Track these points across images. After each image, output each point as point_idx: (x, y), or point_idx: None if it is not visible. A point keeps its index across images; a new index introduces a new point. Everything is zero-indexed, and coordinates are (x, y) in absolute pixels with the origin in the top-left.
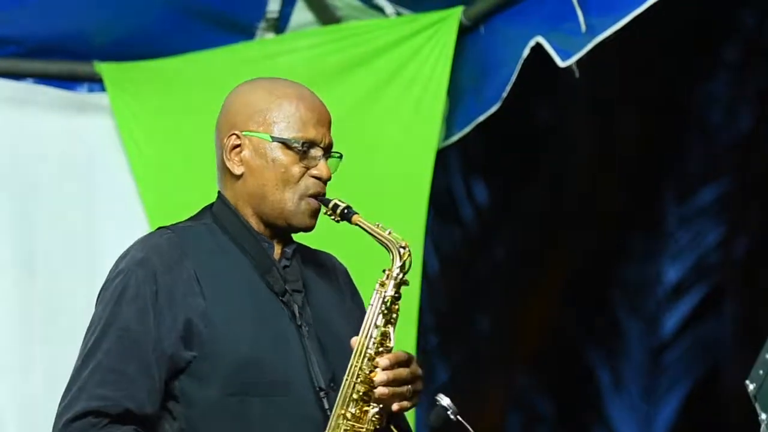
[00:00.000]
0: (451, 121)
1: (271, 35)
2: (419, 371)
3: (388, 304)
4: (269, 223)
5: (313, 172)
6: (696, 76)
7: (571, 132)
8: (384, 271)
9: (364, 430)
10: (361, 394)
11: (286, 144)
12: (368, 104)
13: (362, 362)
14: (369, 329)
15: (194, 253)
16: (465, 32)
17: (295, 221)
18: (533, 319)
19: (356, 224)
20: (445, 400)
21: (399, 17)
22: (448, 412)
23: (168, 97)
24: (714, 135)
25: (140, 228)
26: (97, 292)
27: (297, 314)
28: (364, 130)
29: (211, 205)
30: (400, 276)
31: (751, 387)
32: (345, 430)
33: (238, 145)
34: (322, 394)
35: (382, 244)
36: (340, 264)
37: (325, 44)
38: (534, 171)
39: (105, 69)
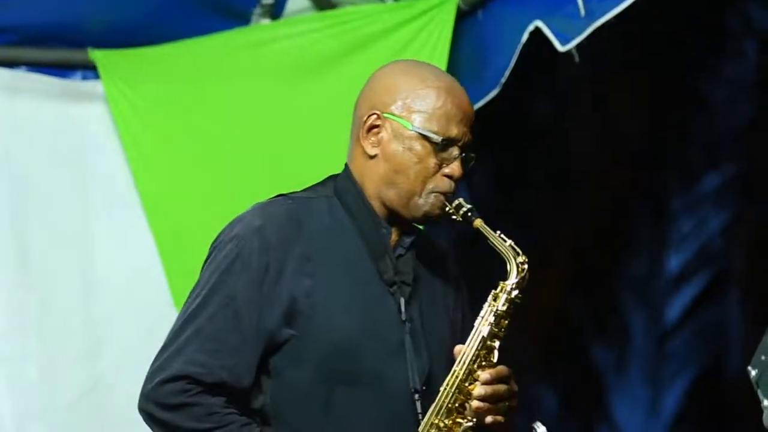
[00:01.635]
0: None
1: (266, 21)
2: (516, 388)
3: (498, 318)
4: (391, 210)
5: (446, 170)
6: (699, 62)
7: (572, 118)
8: (498, 283)
9: None
10: (457, 405)
11: (425, 137)
12: None
13: (464, 373)
14: (475, 341)
15: (310, 230)
16: (463, 17)
17: (418, 214)
18: (536, 309)
19: (477, 229)
20: (541, 429)
21: (396, 2)
22: None
23: (163, 84)
24: (717, 121)
25: (136, 217)
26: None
27: (403, 308)
28: None
29: (337, 175)
30: (515, 292)
31: (753, 373)
32: None
33: (377, 126)
34: (416, 396)
35: (501, 255)
36: (453, 254)
37: (321, 30)
38: (533, 158)
39: (99, 56)
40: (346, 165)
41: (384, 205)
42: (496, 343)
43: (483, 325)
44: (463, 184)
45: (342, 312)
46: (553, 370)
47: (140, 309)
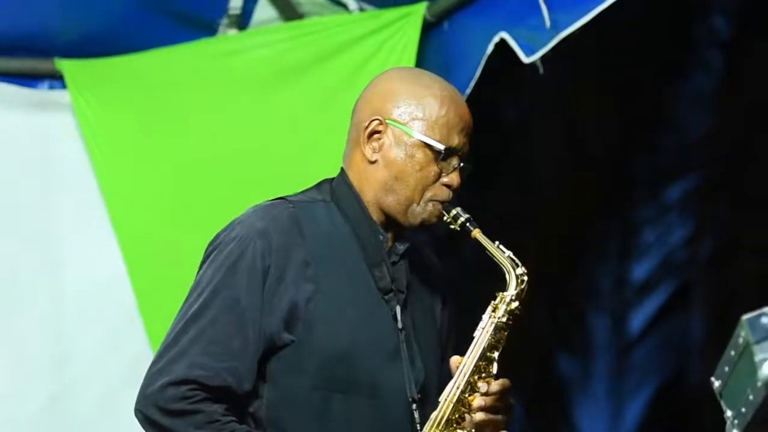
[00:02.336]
0: None
1: (233, 32)
2: (513, 402)
3: (498, 330)
4: (388, 216)
5: (445, 179)
6: (663, 73)
7: (537, 129)
8: (497, 294)
9: None
10: (456, 416)
11: (428, 145)
12: (331, 101)
13: (465, 384)
14: (476, 352)
15: (311, 234)
16: (429, 28)
17: (416, 221)
18: None
19: (475, 239)
20: None
21: (362, 13)
22: None
23: (130, 94)
24: (680, 132)
25: (102, 227)
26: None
27: (399, 315)
28: (326, 127)
29: (332, 179)
30: (514, 303)
31: (716, 384)
32: None
33: (379, 132)
34: (414, 405)
35: (500, 265)
36: (439, 265)
37: (288, 41)
38: (499, 168)
39: (66, 66)
40: (342, 169)
41: (381, 211)
42: (495, 355)
43: (483, 336)
44: None
45: (341, 319)
46: (518, 379)
47: (107, 318)
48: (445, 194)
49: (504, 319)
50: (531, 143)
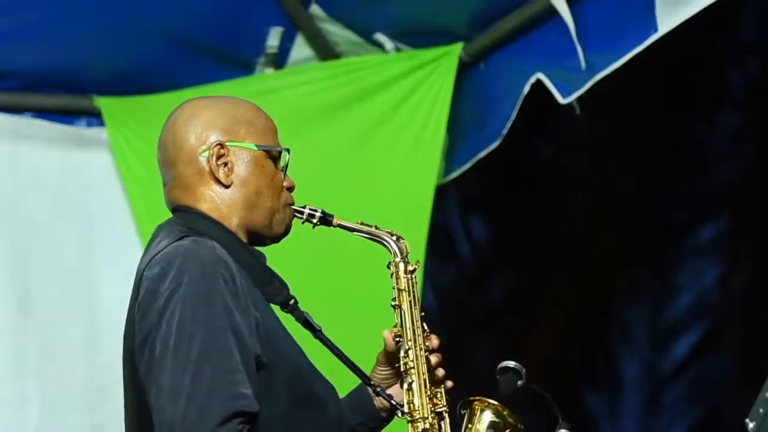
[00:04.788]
0: (450, 158)
1: (270, 70)
2: None
3: (409, 291)
4: (254, 233)
5: (286, 183)
6: (696, 114)
7: (571, 169)
8: (389, 264)
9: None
10: (430, 377)
11: (269, 153)
12: (367, 140)
13: (419, 350)
14: (415, 315)
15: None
16: (465, 68)
17: (281, 230)
18: (530, 357)
19: (338, 226)
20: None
21: (398, 53)
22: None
23: None
24: (713, 173)
25: (137, 263)
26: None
27: (310, 319)
28: (363, 165)
29: (172, 222)
30: (405, 263)
31: (751, 425)
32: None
33: (222, 155)
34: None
35: (373, 240)
36: None
37: (325, 80)
38: (532, 209)
39: (104, 103)
40: (181, 208)
41: (247, 231)
42: (422, 313)
43: (405, 300)
44: (462, 231)
45: (280, 339)
46: (547, 421)
47: None
48: (290, 197)
49: (410, 278)
50: (564, 182)
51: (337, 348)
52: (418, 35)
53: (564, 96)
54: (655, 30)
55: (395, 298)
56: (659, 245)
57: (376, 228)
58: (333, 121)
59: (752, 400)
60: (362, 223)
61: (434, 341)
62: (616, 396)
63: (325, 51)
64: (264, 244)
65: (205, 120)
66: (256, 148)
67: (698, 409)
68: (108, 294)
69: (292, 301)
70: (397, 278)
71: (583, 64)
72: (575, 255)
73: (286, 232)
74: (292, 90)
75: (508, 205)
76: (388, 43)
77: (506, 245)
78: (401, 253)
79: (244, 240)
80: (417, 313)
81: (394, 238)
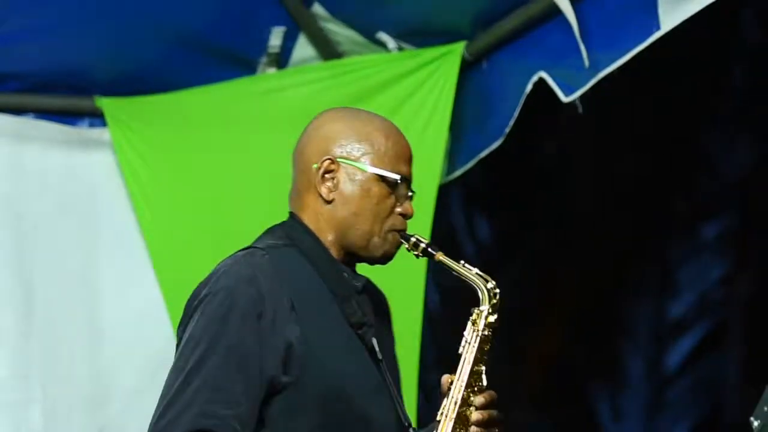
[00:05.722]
0: (453, 157)
1: (272, 70)
2: (503, 416)
3: (481, 343)
4: (350, 252)
5: (399, 209)
6: (700, 112)
7: (574, 167)
8: (472, 310)
9: None
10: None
11: (382, 177)
12: None
13: (461, 400)
14: (466, 367)
15: (289, 278)
16: (467, 67)
17: (377, 254)
18: (535, 355)
19: (439, 262)
20: None
21: (401, 52)
22: None
23: (170, 132)
24: (717, 171)
25: (142, 264)
26: (196, 304)
27: (377, 347)
28: None
29: (281, 225)
30: (492, 317)
31: (755, 424)
32: None
33: (331, 171)
34: (411, 431)
35: (470, 283)
36: (383, 295)
37: (327, 79)
38: (536, 207)
39: (106, 104)
40: (292, 213)
41: (342, 248)
42: (483, 368)
43: (469, 351)
44: (466, 230)
45: (329, 359)
46: (551, 418)
47: (146, 356)
48: (401, 223)
49: (485, 333)
50: (568, 180)
51: (396, 381)
52: (420, 34)
53: (567, 94)
54: (658, 28)
55: (463, 346)
56: (663, 243)
57: (478, 274)
58: None
59: (757, 398)
60: (464, 265)
61: (479, 399)
62: (620, 394)
63: (328, 50)
64: (368, 264)
65: (329, 132)
66: (366, 170)
67: (702, 406)
68: (111, 295)
69: (363, 328)
70: (471, 328)
71: (586, 63)
72: (579, 253)
73: (385, 256)
74: (295, 90)
75: (511, 204)
76: (391, 43)
77: (510, 243)
78: (492, 308)
79: (338, 255)
80: (468, 368)
81: (492, 288)
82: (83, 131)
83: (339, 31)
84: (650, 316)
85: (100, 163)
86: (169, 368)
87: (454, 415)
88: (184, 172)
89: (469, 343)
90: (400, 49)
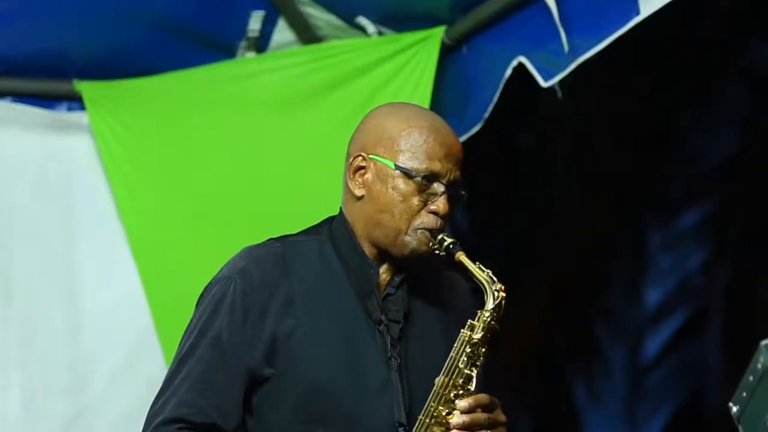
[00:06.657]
0: None
1: (252, 54)
2: (503, 418)
3: (475, 346)
4: (381, 249)
5: (431, 207)
6: (679, 100)
7: (553, 153)
8: (476, 311)
9: None
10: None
11: (407, 174)
12: (350, 124)
13: (440, 403)
14: (450, 369)
15: (296, 271)
16: (447, 52)
17: (406, 251)
18: (515, 341)
19: (458, 261)
20: None
21: (381, 37)
22: None
23: (148, 116)
24: (696, 159)
25: (120, 249)
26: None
27: (389, 346)
28: (345, 149)
29: (329, 218)
30: (491, 320)
31: (734, 409)
32: None
33: (363, 167)
34: (401, 430)
35: (479, 284)
36: (464, 283)
37: (307, 63)
38: (514, 192)
39: (84, 87)
40: (341, 208)
41: (374, 245)
42: (474, 372)
43: (458, 353)
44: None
45: (322, 353)
46: (531, 404)
47: (125, 342)
48: (432, 221)
49: (480, 335)
50: (547, 166)
51: (405, 381)
52: (400, 19)
53: (546, 79)
54: (637, 13)
55: (454, 347)
56: (643, 229)
57: (488, 275)
58: (315, 105)
59: (736, 384)
60: (480, 267)
61: (461, 404)
62: (601, 380)
63: (307, 35)
64: (397, 261)
65: (366, 127)
66: (393, 167)
67: (683, 392)
68: (90, 280)
69: (381, 325)
70: (473, 327)
71: (566, 47)
72: (558, 240)
73: (413, 254)
74: (274, 74)
75: (489, 189)
76: (371, 27)
77: (489, 230)
78: (495, 311)
79: (371, 251)
80: (461, 370)
81: (500, 293)
82: (62, 115)
83: (318, 16)
84: (631, 302)
85: (78, 146)
86: (148, 353)
87: (429, 418)
88: (163, 156)
89: (459, 345)
90: (380, 33)
